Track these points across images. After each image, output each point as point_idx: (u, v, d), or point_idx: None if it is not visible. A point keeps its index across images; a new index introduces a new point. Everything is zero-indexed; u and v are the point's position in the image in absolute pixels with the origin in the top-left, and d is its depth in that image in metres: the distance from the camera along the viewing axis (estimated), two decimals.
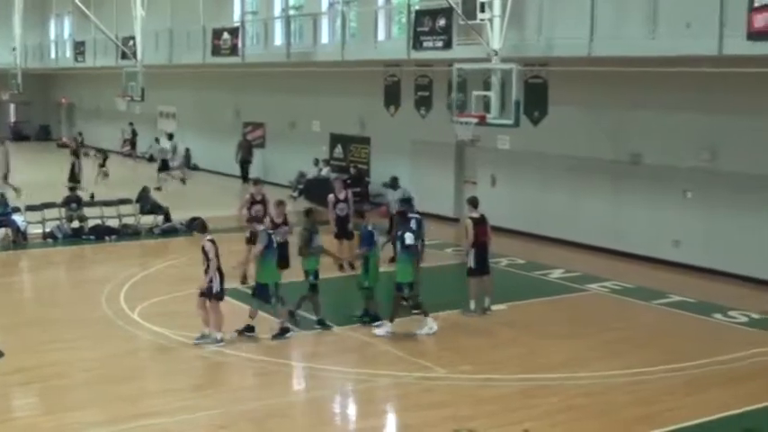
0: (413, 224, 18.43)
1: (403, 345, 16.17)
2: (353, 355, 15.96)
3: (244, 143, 39.60)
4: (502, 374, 14.73)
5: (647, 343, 16.62)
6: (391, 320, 16.86)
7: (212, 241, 16.07)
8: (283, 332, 16.55)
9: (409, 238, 17.01)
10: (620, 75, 22.66)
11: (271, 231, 17.27)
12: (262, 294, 16.56)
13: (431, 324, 16.95)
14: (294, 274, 17.89)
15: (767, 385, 14.42)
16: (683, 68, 20.39)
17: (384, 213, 22.46)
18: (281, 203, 19.01)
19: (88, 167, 38.27)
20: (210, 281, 15.94)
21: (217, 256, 15.98)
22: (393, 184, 23.70)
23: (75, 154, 37.75)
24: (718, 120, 21.53)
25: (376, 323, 17.09)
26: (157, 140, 43.77)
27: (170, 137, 42.28)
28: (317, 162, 34.48)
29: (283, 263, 17.95)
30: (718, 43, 18.62)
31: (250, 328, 16.57)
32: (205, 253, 15.92)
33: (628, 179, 23.72)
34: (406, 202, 21.08)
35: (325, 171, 34.01)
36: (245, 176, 38.26)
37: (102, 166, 39.30)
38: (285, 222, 18.67)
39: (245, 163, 39.04)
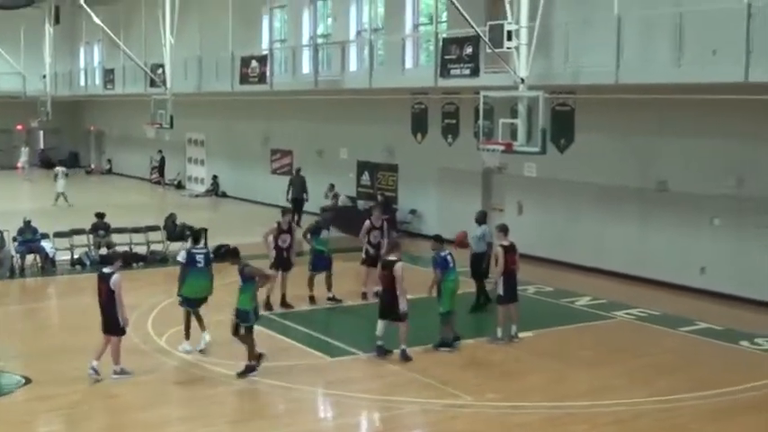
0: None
1: (431, 372, 16.14)
2: (381, 381, 15.94)
3: (296, 179, 36.04)
4: (529, 402, 14.69)
5: (673, 370, 16.56)
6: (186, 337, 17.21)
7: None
8: None
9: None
10: (646, 102, 22.67)
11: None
12: None
13: (205, 336, 17.21)
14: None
15: None
16: (710, 96, 20.36)
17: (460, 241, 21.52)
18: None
19: None
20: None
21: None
22: (480, 218, 22.23)
23: None
24: (745, 146, 21.47)
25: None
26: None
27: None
28: (332, 188, 34.46)
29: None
30: (744, 70, 18.62)
31: None
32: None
33: (654, 206, 23.65)
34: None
35: (341, 199, 33.82)
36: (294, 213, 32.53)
37: None
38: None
39: (296, 201, 34.87)
